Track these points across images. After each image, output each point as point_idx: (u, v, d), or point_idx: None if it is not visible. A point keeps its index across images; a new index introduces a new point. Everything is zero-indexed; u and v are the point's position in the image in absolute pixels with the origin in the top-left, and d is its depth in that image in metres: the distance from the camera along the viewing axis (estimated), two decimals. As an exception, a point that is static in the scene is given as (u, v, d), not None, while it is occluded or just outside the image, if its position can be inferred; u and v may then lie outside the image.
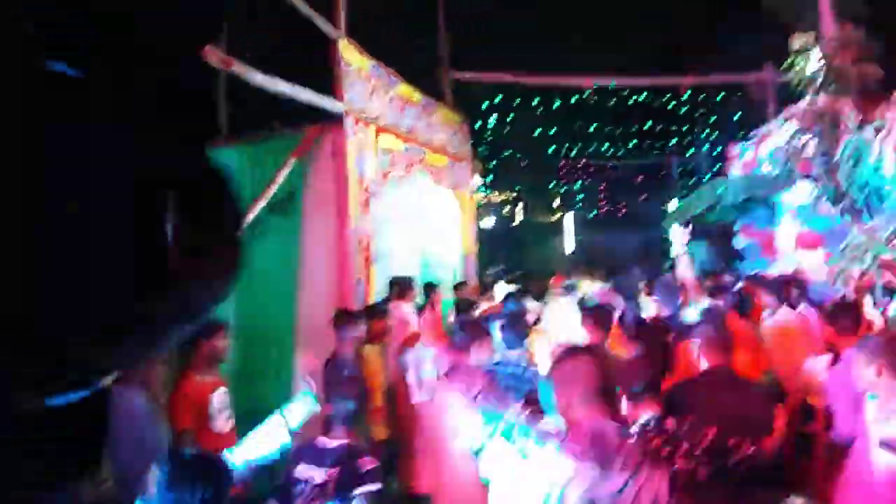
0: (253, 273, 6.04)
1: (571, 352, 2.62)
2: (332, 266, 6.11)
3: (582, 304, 6.25)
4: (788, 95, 8.03)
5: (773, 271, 8.55)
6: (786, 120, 6.42)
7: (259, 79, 5.15)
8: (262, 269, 5.71)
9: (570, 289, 7.72)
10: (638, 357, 4.28)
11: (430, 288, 7.30)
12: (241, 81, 5.15)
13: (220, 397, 3.93)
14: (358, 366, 4.80)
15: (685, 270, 5.82)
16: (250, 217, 5.54)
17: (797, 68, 5.86)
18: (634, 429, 2.84)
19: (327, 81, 6.28)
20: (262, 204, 5.70)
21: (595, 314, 4.81)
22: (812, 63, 5.88)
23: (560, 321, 6.96)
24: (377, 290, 6.58)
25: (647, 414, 2.99)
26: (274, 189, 5.81)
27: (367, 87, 6.78)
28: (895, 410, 3.19)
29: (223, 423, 3.91)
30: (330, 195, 6.13)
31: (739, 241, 10.51)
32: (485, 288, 9.02)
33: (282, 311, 5.97)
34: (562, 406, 2.41)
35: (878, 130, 4.29)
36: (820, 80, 5.51)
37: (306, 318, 5.91)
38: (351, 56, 6.49)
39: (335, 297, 6.01)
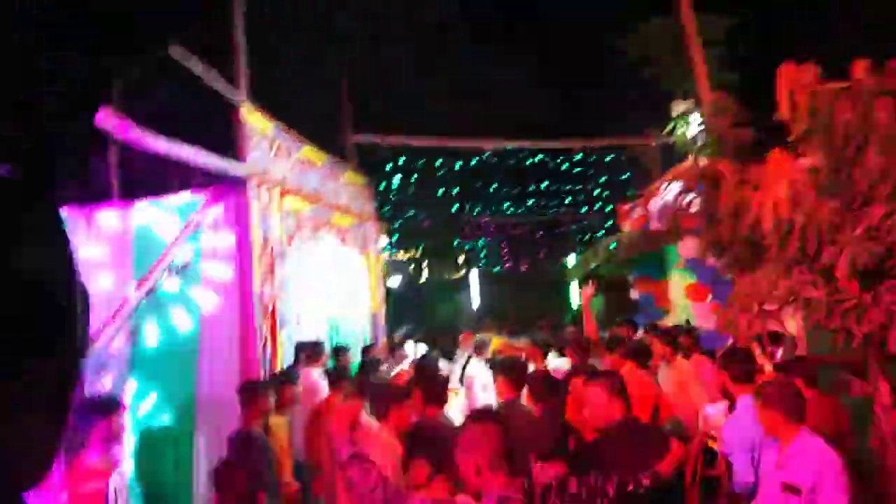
0: (151, 343, 5.76)
1: (476, 417, 2.67)
2: (235, 333, 5.91)
3: (494, 361, 6.31)
4: (671, 156, 8.63)
5: (667, 321, 9.00)
6: (671, 180, 6.87)
7: (159, 143, 5.02)
8: (162, 338, 5.46)
9: (481, 346, 7.78)
10: (545, 416, 4.35)
11: (339, 352, 7.18)
12: (139, 145, 5.02)
13: (117, 480, 3.67)
14: (266, 440, 4.61)
15: (589, 325, 6.10)
16: (149, 284, 5.31)
17: (679, 132, 6.31)
18: (538, 491, 2.88)
19: (230, 145, 6.21)
20: (161, 269, 5.49)
21: (508, 371, 4.84)
22: (692, 127, 6.34)
23: (476, 379, 7.01)
24: (284, 356, 6.40)
25: (549, 475, 3.03)
26: (173, 254, 5.61)
27: (270, 150, 6.74)
28: (790, 456, 3.39)
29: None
30: (233, 259, 5.98)
31: (634, 293, 11.02)
32: (393, 348, 8.96)
33: (181, 385, 5.68)
34: (470, 472, 2.46)
35: (754, 189, 4.64)
36: (700, 142, 5.92)
37: (208, 391, 5.66)
38: (254, 119, 6.46)
39: (239, 365, 5.80)
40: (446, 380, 4.96)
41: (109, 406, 3.64)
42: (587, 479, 2.97)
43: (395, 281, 18.93)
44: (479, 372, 7.62)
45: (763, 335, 4.72)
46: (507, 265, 21.14)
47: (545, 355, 7.14)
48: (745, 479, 3.85)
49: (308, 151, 7.81)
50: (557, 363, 6.70)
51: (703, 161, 5.93)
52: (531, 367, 5.67)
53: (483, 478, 2.43)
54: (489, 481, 2.42)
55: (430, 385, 4.51)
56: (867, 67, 4.20)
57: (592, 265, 9.42)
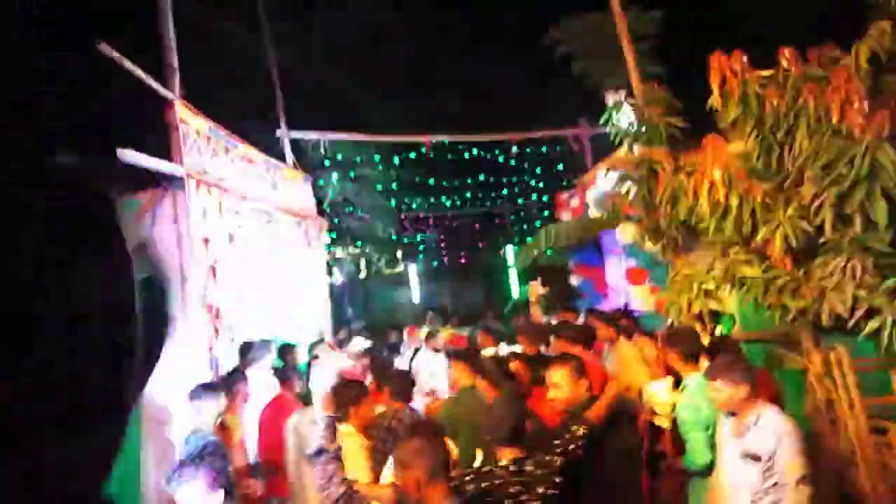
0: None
1: (412, 431, 2.75)
2: (180, 336, 5.75)
3: (450, 350, 6.38)
4: (605, 146, 8.85)
5: (607, 305, 9.25)
6: (608, 169, 7.04)
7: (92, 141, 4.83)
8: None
9: (431, 336, 7.85)
10: (502, 402, 4.44)
11: (286, 350, 7.09)
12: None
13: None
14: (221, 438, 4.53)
15: (539, 317, 6.25)
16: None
17: (613, 122, 6.48)
18: (499, 472, 3.03)
19: (164, 144, 6.03)
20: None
21: (465, 358, 4.95)
22: (625, 117, 6.52)
23: (423, 370, 7.05)
24: (230, 357, 6.27)
25: (507, 457, 3.15)
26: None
27: (206, 149, 6.58)
28: (748, 426, 3.55)
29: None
30: (174, 262, 5.82)
31: (574, 280, 11.26)
32: (340, 344, 8.91)
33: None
34: (410, 486, 2.55)
35: (690, 175, 4.81)
36: (633, 132, 6.10)
37: (153, 399, 5.49)
38: (188, 118, 6.29)
39: (186, 370, 5.65)
40: (410, 375, 5.01)
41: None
42: (541, 458, 3.15)
43: (335, 277, 18.77)
44: (427, 362, 7.68)
45: (704, 314, 4.93)
46: (446, 258, 21.23)
47: (497, 343, 7.25)
48: (704, 459, 4.00)
49: (245, 149, 7.66)
50: (508, 351, 6.79)
51: (638, 150, 6.13)
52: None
53: (422, 492, 2.53)
54: (429, 495, 2.53)
55: (398, 381, 4.60)
56: (791, 55, 4.43)
57: (534, 255, 9.56)
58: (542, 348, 6.28)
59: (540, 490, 2.99)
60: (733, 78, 4.54)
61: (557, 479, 3.07)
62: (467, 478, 2.99)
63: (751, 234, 4.53)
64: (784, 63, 4.39)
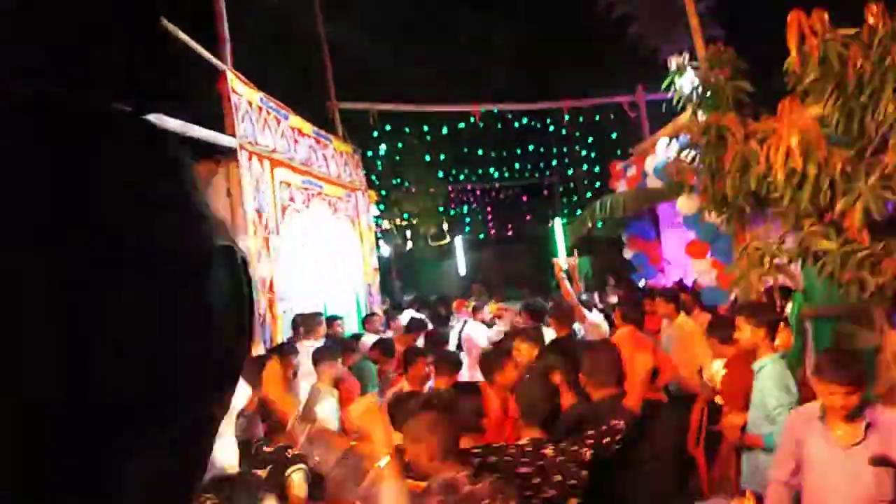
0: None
1: (425, 405, 2.67)
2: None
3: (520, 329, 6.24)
4: (663, 113, 8.53)
5: (665, 280, 9.00)
6: (671, 137, 6.77)
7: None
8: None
9: (477, 310, 7.75)
10: (531, 381, 4.32)
11: (331, 322, 7.09)
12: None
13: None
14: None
15: (565, 293, 6.05)
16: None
17: (676, 87, 6.20)
18: (511, 450, 2.91)
19: (217, 116, 6.00)
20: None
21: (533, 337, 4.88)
22: (688, 81, 6.23)
23: (474, 339, 6.97)
24: (284, 329, 6.29)
25: (527, 437, 3.03)
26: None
27: (258, 120, 6.54)
28: (860, 429, 3.14)
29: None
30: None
31: (628, 253, 11.00)
32: (387, 315, 8.89)
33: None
34: (422, 459, 2.51)
35: (762, 142, 4.55)
36: (698, 97, 5.83)
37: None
38: (240, 89, 6.24)
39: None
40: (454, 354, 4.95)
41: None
42: (567, 445, 2.99)
43: (382, 250, 18.83)
44: (478, 333, 7.57)
45: (775, 289, 4.69)
46: (492, 230, 21.04)
47: (539, 321, 7.04)
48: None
49: (295, 121, 7.61)
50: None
51: (703, 115, 5.84)
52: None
53: (433, 465, 2.49)
54: (438, 468, 2.48)
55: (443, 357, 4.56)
56: (879, 11, 4.10)
57: (589, 225, 9.33)
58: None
59: (557, 478, 2.83)
60: (813, 37, 4.23)
61: (583, 472, 2.88)
62: (475, 450, 2.88)
63: (828, 206, 4.27)
64: (870, 20, 4.07)
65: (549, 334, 6.06)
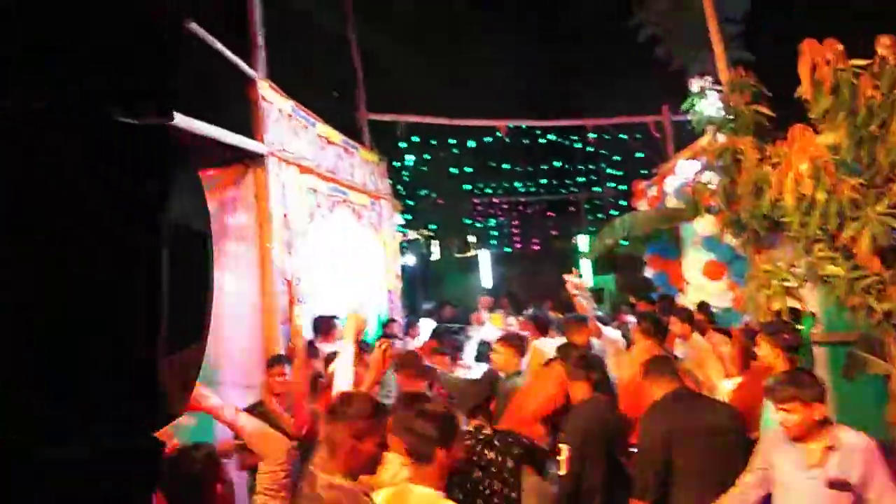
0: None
1: (406, 402, 2.94)
2: (255, 309, 5.98)
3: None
4: (686, 135, 8.59)
5: (682, 300, 9.02)
6: (689, 158, 6.85)
7: (177, 118, 5.03)
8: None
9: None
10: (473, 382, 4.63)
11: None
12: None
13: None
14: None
15: (579, 310, 6.14)
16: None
17: (697, 109, 6.28)
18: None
19: (247, 121, 6.23)
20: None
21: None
22: (710, 104, 6.31)
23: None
24: (303, 332, 6.47)
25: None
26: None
27: (287, 127, 6.77)
28: (823, 451, 3.15)
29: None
30: (252, 236, 6.04)
31: (649, 272, 11.03)
32: (409, 325, 9.04)
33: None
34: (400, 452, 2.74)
35: (775, 166, 4.64)
36: (718, 119, 5.91)
37: (228, 364, 5.74)
38: (271, 96, 6.48)
39: (259, 340, 5.88)
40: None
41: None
42: (504, 432, 3.55)
43: (407, 259, 18.98)
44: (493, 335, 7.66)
45: (783, 312, 4.75)
46: (518, 244, 21.11)
47: (543, 333, 7.06)
48: None
49: (324, 129, 7.84)
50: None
51: (722, 138, 5.93)
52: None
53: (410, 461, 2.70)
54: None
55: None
56: (891, 43, 4.18)
57: (609, 243, 9.40)
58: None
59: (510, 463, 3.36)
60: (825, 66, 4.32)
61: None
62: None
63: (837, 231, 4.33)
64: (881, 51, 4.15)
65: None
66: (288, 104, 6.85)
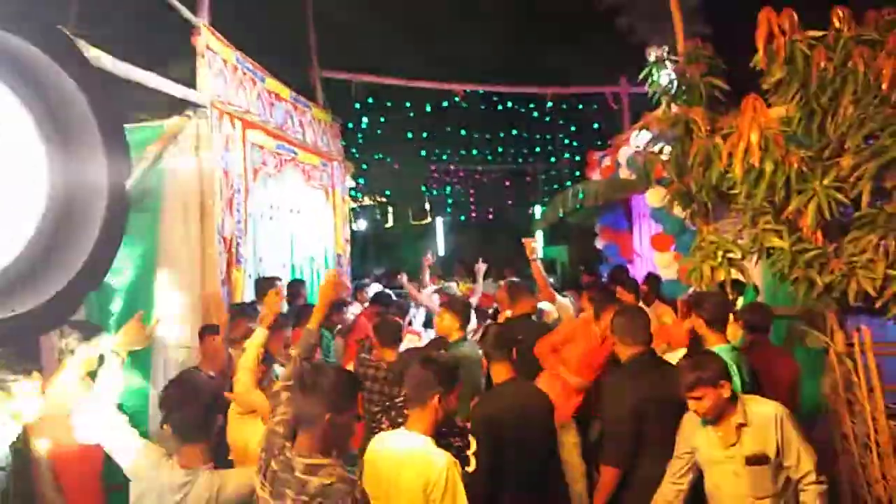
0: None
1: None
2: (194, 267, 5.75)
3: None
4: (642, 106, 8.55)
5: (634, 272, 9.07)
6: (642, 128, 6.81)
7: (113, 65, 4.73)
8: (117, 269, 5.28)
9: (446, 291, 7.81)
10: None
11: (295, 286, 7.09)
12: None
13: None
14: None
15: (537, 275, 6.17)
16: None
17: (653, 79, 6.22)
18: None
19: (189, 71, 5.93)
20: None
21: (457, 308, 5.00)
22: (666, 75, 6.25)
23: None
24: (243, 292, 6.28)
25: None
26: (130, 184, 5.38)
27: (233, 80, 6.47)
28: (738, 427, 3.19)
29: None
30: (192, 192, 5.77)
31: (599, 243, 11.07)
32: (357, 289, 8.90)
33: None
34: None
35: (725, 137, 4.61)
36: (673, 90, 5.86)
37: (165, 324, 5.52)
38: (215, 45, 6.16)
39: (197, 300, 5.67)
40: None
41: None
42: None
43: (360, 224, 18.76)
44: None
45: (727, 284, 4.77)
46: (474, 213, 21.05)
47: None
48: None
49: (273, 84, 7.53)
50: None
51: (676, 109, 5.88)
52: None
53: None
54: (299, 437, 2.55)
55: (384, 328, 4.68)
56: (845, 16, 4.15)
57: (560, 214, 9.37)
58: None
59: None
60: (781, 37, 4.28)
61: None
62: None
63: (783, 204, 4.34)
64: (836, 23, 4.12)
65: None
66: (234, 55, 6.53)
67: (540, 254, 6.63)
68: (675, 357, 4.80)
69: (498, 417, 3.41)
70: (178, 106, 5.72)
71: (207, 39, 5.99)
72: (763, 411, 3.13)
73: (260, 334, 3.67)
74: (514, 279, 6.54)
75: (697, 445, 3.28)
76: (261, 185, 6.96)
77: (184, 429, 2.72)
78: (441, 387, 2.81)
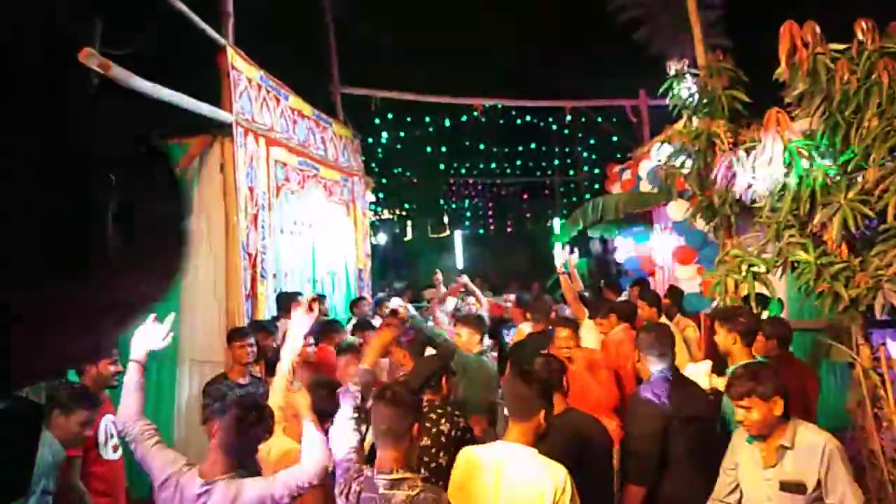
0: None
1: (377, 396, 2.78)
2: (219, 282, 5.83)
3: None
4: (661, 119, 8.54)
5: (653, 284, 9.03)
6: (663, 141, 6.80)
7: (141, 84, 4.84)
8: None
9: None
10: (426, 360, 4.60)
11: (316, 301, 7.11)
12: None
13: (107, 425, 3.64)
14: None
15: (566, 289, 6.04)
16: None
17: (673, 92, 6.22)
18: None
19: (215, 91, 6.03)
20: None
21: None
22: (687, 88, 6.25)
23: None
24: (267, 307, 6.34)
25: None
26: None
27: (257, 98, 6.58)
28: (782, 449, 3.01)
29: (111, 451, 3.64)
30: (217, 209, 5.87)
31: (620, 256, 11.04)
32: (378, 303, 8.93)
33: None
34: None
35: (748, 151, 4.59)
36: (694, 103, 5.86)
37: (190, 339, 5.61)
38: (240, 65, 6.28)
39: (221, 315, 5.74)
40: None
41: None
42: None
43: (380, 238, 18.85)
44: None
45: (751, 297, 4.73)
46: (492, 226, 21.06)
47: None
48: None
49: (295, 101, 7.64)
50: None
51: (698, 122, 5.87)
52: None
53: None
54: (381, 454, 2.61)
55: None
56: (869, 28, 4.13)
57: (580, 227, 9.36)
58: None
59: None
60: (803, 49, 4.27)
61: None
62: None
63: (807, 217, 4.31)
64: (860, 35, 4.10)
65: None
66: (257, 74, 6.65)
67: (575, 261, 6.44)
68: (700, 369, 4.78)
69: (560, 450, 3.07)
70: (204, 124, 5.83)
71: (232, 59, 6.11)
72: (812, 440, 2.91)
73: (297, 346, 3.76)
74: (523, 293, 6.48)
75: (740, 461, 3.14)
76: (283, 201, 7.04)
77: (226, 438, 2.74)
78: (543, 401, 2.80)
